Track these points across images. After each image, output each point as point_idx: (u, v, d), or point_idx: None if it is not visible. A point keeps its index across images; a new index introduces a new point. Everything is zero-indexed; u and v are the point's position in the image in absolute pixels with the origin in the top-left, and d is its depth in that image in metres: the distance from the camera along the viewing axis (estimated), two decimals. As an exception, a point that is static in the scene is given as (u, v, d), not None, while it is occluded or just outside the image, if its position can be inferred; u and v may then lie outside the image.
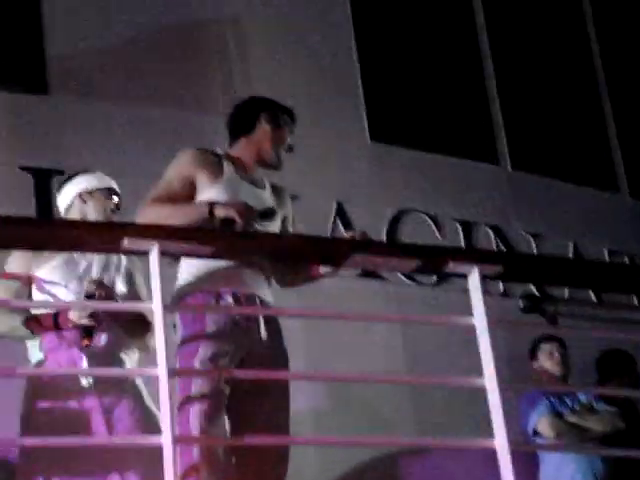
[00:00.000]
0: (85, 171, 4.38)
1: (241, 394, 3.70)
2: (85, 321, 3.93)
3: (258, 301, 3.83)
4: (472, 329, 3.29)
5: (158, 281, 3.09)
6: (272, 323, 3.86)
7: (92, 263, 4.14)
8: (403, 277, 6.59)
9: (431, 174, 7.11)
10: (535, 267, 3.67)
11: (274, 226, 3.95)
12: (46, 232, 3.20)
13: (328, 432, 5.77)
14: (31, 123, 6.00)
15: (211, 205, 3.72)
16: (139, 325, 4.05)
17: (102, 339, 4.03)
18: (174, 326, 3.73)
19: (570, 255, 7.30)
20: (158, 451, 2.95)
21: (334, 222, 6.58)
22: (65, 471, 3.82)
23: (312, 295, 6.00)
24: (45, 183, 5.78)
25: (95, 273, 4.11)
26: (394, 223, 6.81)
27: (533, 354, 5.89)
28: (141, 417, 3.97)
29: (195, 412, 3.57)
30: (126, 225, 3.44)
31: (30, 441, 3.86)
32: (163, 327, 3.07)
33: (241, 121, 4.09)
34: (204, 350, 3.66)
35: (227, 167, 3.94)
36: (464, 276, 3.34)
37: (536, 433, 5.57)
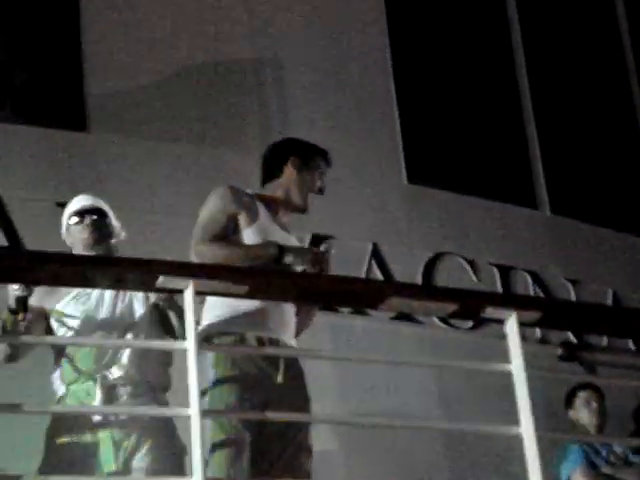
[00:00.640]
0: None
1: (263, 440, 3.66)
2: (18, 292, 3.93)
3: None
4: (508, 376, 3.24)
5: (192, 320, 3.07)
6: (294, 367, 3.82)
7: (103, 293, 4.16)
8: (438, 321, 6.53)
9: (468, 217, 7.06)
10: (574, 314, 3.63)
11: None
12: (88, 269, 3.19)
13: (358, 474, 5.71)
14: (69, 160, 6.04)
15: (281, 249, 3.72)
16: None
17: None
18: None
19: (609, 302, 7.21)
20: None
21: (369, 263, 6.55)
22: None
23: (346, 336, 6.00)
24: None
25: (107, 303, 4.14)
26: (430, 266, 6.75)
27: (570, 402, 5.82)
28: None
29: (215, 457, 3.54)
30: (162, 263, 3.42)
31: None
32: (196, 367, 3.04)
33: (271, 164, 4.09)
34: (227, 395, 3.63)
35: (261, 209, 3.93)
36: (501, 321, 3.30)
37: (569, 483, 5.49)
